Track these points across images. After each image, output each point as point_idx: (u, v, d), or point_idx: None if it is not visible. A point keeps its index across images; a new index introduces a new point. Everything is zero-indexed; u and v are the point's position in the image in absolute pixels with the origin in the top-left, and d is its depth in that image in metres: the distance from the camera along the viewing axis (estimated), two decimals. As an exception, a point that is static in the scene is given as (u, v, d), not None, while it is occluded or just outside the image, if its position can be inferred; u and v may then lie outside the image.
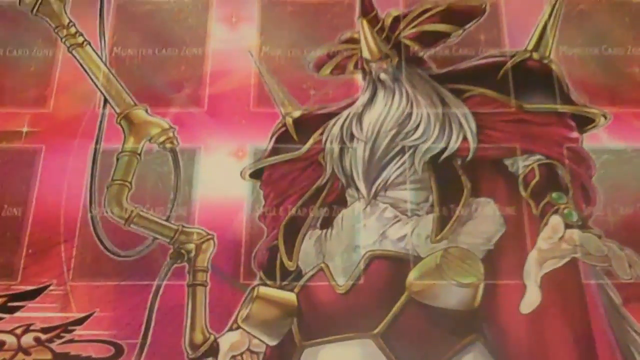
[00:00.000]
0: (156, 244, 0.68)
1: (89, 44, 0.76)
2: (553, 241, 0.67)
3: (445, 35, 0.78)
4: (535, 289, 0.65)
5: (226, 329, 0.66)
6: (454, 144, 0.72)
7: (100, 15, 0.79)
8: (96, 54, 0.76)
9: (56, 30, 0.77)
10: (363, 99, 0.74)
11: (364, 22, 0.78)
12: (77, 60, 0.76)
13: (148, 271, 0.67)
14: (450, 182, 0.70)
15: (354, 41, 0.77)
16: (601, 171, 0.71)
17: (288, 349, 0.66)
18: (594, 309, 0.65)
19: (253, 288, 0.66)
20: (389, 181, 0.70)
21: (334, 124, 0.73)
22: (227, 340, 0.66)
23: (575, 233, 0.67)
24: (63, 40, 0.77)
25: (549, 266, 0.66)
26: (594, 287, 0.66)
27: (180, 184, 0.71)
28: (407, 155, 0.71)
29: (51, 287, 0.67)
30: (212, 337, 0.66)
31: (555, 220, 0.67)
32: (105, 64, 0.76)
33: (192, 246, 0.68)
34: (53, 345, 0.65)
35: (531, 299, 0.65)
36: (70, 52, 0.76)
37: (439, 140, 0.72)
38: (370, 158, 0.71)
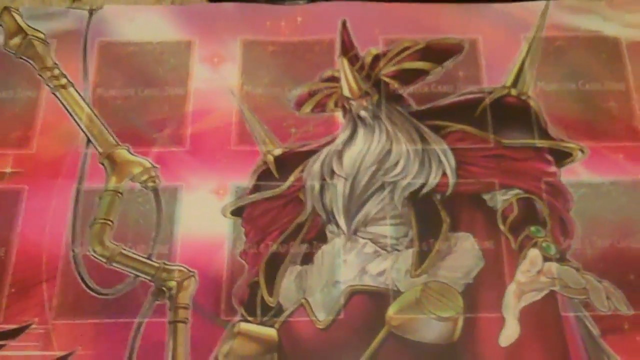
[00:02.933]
0: (138, 282, 0.69)
1: (72, 85, 0.78)
2: (531, 274, 0.68)
3: (425, 73, 0.79)
4: (513, 322, 0.66)
5: (207, 365, 0.66)
6: (433, 180, 0.73)
7: (83, 56, 0.80)
8: (79, 95, 0.77)
9: (40, 72, 0.78)
10: (343, 136, 0.75)
11: (344, 60, 0.79)
12: (61, 102, 0.77)
13: (130, 309, 0.68)
14: (430, 217, 0.71)
15: (335, 79, 0.79)
16: (579, 205, 0.72)
17: (269, 384, 0.66)
18: (572, 341, 0.66)
19: (234, 324, 0.67)
20: (369, 217, 0.71)
21: (314, 161, 0.74)
22: (209, 377, 0.67)
23: (553, 266, 0.68)
24: (47, 81, 0.78)
25: (528, 299, 0.67)
26: (572, 319, 0.66)
27: (162, 222, 0.71)
28: (386, 191, 0.72)
29: (33, 326, 0.67)
30: (193, 374, 0.66)
31: (534, 254, 0.68)
32: (89, 105, 0.77)
33: (173, 283, 0.68)
34: (35, 384, 0.66)
35: (510, 332, 0.66)
36: (54, 94, 0.77)
37: (418, 176, 0.73)
38: (350, 194, 0.72)
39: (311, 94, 0.78)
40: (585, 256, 0.69)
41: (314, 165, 0.74)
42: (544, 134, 0.75)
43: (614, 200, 0.72)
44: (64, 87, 0.77)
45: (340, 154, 0.74)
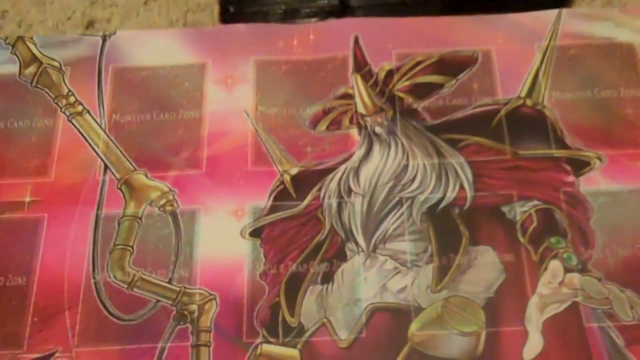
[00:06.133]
0: (159, 307, 0.69)
1: (88, 112, 0.78)
2: (553, 286, 0.67)
3: (439, 86, 0.79)
4: (537, 334, 0.66)
5: (231, 388, 0.66)
6: (451, 194, 0.73)
7: (98, 83, 0.80)
8: (95, 121, 0.78)
9: (56, 100, 0.79)
10: (359, 153, 0.75)
11: (358, 77, 0.79)
12: (77, 129, 0.77)
13: (152, 334, 0.68)
14: (449, 231, 0.71)
15: (349, 96, 0.79)
16: (599, 214, 0.71)
17: (293, 405, 0.66)
18: (596, 352, 0.65)
19: (256, 346, 0.67)
20: (388, 233, 0.71)
21: (331, 180, 0.74)
22: (233, 400, 0.67)
23: (575, 277, 0.68)
24: (62, 109, 0.78)
25: (551, 311, 0.67)
26: (596, 330, 0.66)
27: (181, 245, 0.71)
28: (404, 207, 0.72)
29: (57, 354, 0.67)
30: (217, 397, 0.66)
31: (555, 265, 0.68)
32: (105, 131, 0.77)
33: (194, 307, 0.69)
34: (60, 412, 0.67)
35: (533, 345, 0.65)
36: (70, 121, 0.78)
37: (435, 190, 0.73)
38: (368, 211, 0.72)
39: (326, 112, 0.78)
40: (607, 266, 0.69)
41: (331, 184, 0.74)
42: (561, 144, 0.75)
43: (633, 208, 0.72)
44: (80, 114, 0.78)
45: (356, 171, 0.74)
